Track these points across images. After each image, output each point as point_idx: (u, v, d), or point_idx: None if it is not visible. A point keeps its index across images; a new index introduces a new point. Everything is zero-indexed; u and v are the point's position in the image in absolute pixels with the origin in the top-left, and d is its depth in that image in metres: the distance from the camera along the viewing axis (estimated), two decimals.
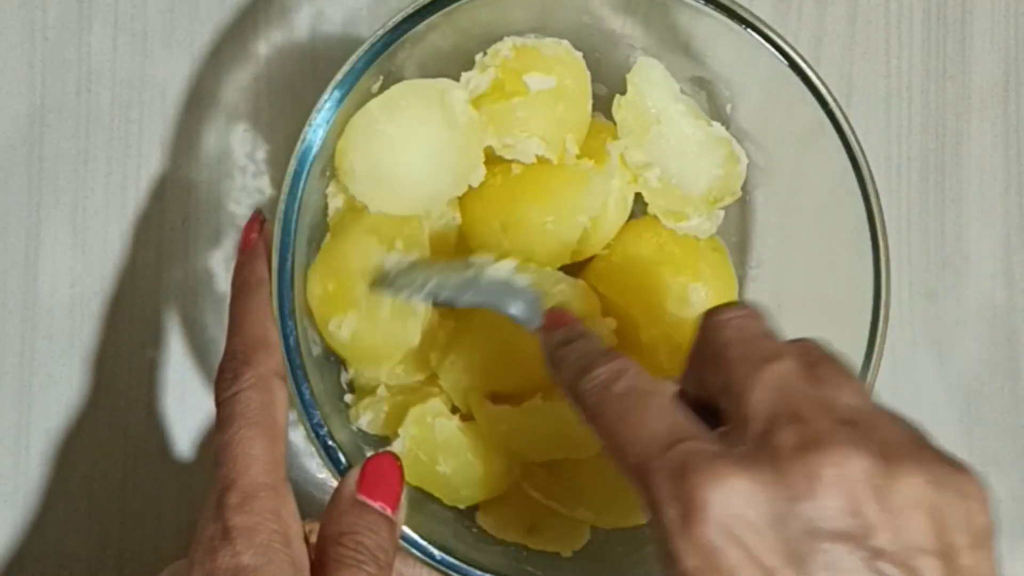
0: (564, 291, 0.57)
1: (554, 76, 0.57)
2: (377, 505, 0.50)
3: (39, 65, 0.64)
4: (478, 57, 0.57)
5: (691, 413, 0.44)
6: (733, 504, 0.40)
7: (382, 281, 0.55)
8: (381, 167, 0.55)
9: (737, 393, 0.43)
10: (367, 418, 0.58)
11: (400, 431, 0.56)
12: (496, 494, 0.58)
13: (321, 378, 0.55)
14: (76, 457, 0.63)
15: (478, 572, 0.54)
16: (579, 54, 0.58)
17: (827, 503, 0.39)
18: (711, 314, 0.46)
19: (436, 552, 0.53)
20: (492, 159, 0.58)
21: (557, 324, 0.51)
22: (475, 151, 0.57)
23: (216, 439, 0.50)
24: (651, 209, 0.60)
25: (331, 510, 0.50)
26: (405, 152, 0.55)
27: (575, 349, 0.49)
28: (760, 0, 0.67)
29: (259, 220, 0.55)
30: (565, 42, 0.58)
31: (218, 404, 0.51)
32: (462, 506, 0.58)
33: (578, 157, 0.58)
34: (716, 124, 0.59)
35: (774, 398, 0.42)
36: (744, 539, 0.39)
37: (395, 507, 0.50)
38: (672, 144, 0.58)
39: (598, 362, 0.47)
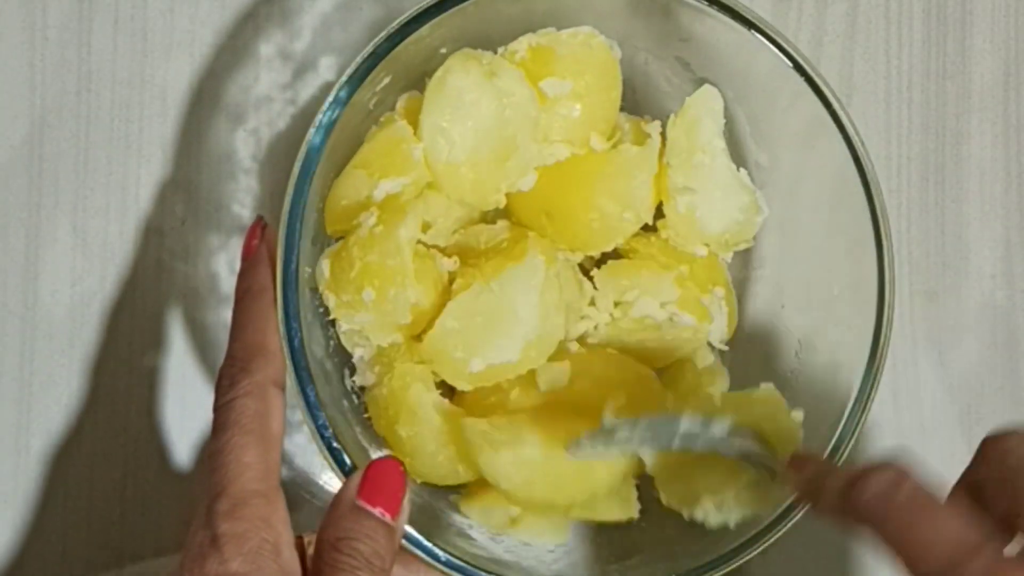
0: None
1: (569, 79, 0.57)
2: (377, 511, 0.50)
3: (39, 65, 0.64)
4: (500, 50, 0.57)
5: (977, 523, 0.45)
6: None
7: (602, 438, 0.55)
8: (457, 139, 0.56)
9: None
10: (359, 352, 0.58)
11: (384, 377, 0.56)
12: (445, 483, 0.58)
13: (326, 380, 0.55)
14: (76, 457, 0.63)
15: (483, 573, 0.54)
16: (602, 39, 0.58)
17: None
18: (997, 441, 0.47)
19: (441, 553, 0.53)
20: None
21: (804, 465, 0.52)
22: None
23: (210, 445, 0.50)
24: (664, 233, 0.60)
25: (330, 514, 0.50)
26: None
27: (838, 475, 0.48)
28: (760, 0, 0.67)
29: (260, 226, 0.55)
30: (586, 29, 0.57)
31: (214, 410, 0.51)
32: (417, 480, 0.57)
33: (615, 143, 0.59)
34: (743, 171, 0.60)
35: None
36: None
37: (395, 513, 0.50)
38: (707, 177, 0.58)
39: (872, 473, 0.46)
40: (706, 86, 0.59)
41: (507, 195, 0.58)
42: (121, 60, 0.64)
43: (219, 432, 0.50)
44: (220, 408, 0.51)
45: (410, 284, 0.54)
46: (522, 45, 0.57)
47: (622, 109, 0.61)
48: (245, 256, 0.55)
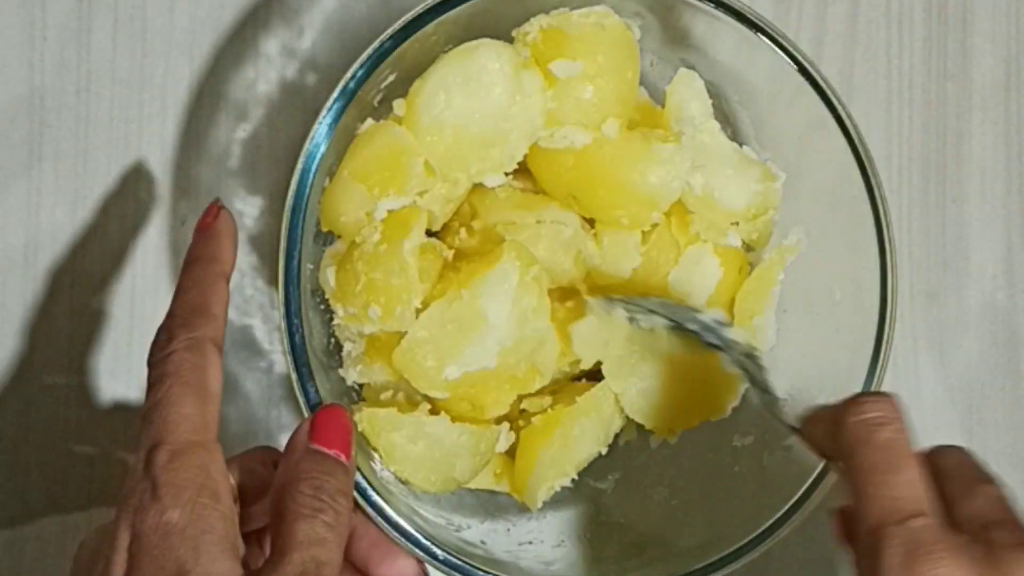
0: None
1: (580, 60, 0.56)
2: (332, 452, 0.50)
3: (39, 65, 0.64)
4: (514, 32, 0.57)
5: (930, 485, 0.47)
6: None
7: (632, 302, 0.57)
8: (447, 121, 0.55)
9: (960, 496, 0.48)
10: (348, 346, 0.58)
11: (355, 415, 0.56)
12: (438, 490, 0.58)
13: (326, 378, 0.55)
14: (76, 457, 0.63)
15: (481, 571, 0.54)
16: (616, 18, 0.57)
17: None
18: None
19: (439, 552, 0.53)
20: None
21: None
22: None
23: (146, 400, 0.49)
24: (694, 227, 0.59)
25: (286, 460, 0.50)
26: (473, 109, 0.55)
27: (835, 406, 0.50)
28: (761, 0, 0.67)
29: (217, 207, 0.55)
30: (600, 8, 0.57)
31: (149, 365, 0.50)
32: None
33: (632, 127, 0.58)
34: (746, 147, 0.59)
35: (988, 507, 0.48)
36: None
37: (348, 454, 0.50)
38: (711, 156, 0.58)
39: (868, 399, 0.49)
40: (682, 69, 0.58)
41: (534, 168, 0.58)
42: (121, 60, 0.64)
43: (156, 385, 0.49)
44: (157, 362, 0.50)
45: (415, 297, 0.55)
46: (533, 27, 0.56)
47: None
48: (198, 231, 0.54)
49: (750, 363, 0.57)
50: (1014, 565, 0.45)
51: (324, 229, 0.56)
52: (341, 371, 0.58)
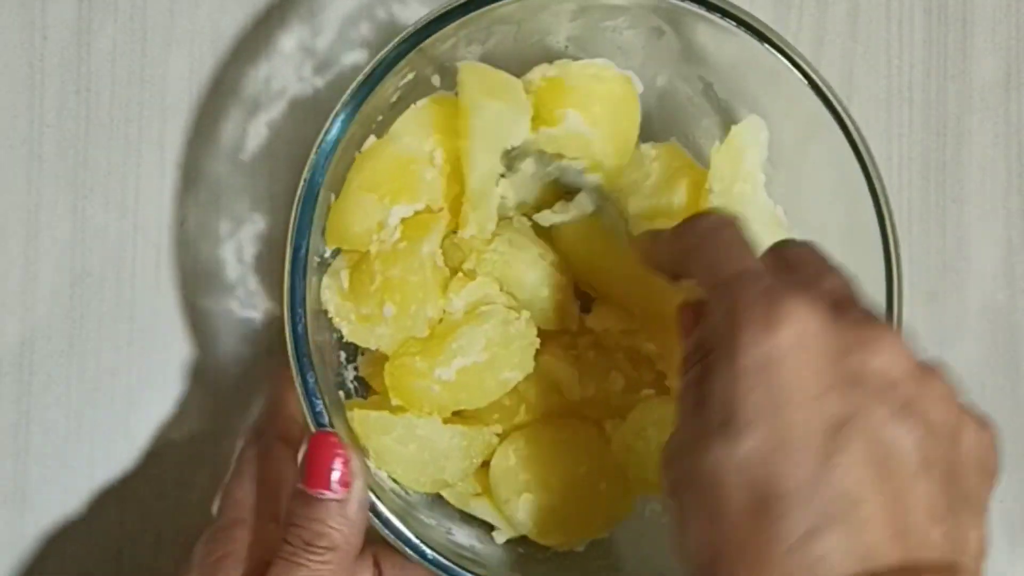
0: None
1: (577, 110, 0.57)
2: (315, 492, 0.51)
3: (39, 65, 0.64)
4: (522, 80, 0.58)
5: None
6: (810, 323, 0.42)
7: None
8: None
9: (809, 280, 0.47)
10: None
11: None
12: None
13: (325, 370, 0.55)
14: (76, 458, 0.63)
15: (469, 574, 0.54)
16: (616, 70, 0.58)
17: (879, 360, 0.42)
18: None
19: (428, 552, 0.53)
20: None
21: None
22: None
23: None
24: None
25: (289, 498, 0.52)
26: None
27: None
28: (761, 0, 0.67)
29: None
30: (600, 61, 0.58)
31: None
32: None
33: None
34: (779, 207, 0.59)
35: (839, 288, 0.47)
36: (806, 354, 0.42)
37: (345, 483, 0.51)
38: (747, 208, 0.57)
39: (703, 215, 0.50)
40: (752, 116, 0.58)
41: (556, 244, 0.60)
42: (121, 60, 0.64)
43: (229, 476, 0.56)
44: (235, 460, 0.57)
45: (431, 299, 0.55)
46: (536, 75, 0.58)
47: (648, 135, 0.60)
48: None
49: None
50: (865, 328, 0.43)
51: (330, 245, 0.56)
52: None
